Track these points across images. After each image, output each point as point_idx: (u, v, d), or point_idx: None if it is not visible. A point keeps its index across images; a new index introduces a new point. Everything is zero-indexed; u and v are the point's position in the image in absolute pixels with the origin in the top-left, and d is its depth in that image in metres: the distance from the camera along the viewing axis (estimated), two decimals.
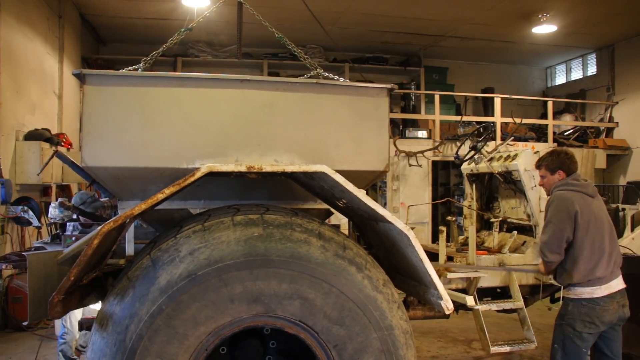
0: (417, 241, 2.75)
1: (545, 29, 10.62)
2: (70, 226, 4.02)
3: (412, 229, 2.79)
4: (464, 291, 4.48)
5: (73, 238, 3.56)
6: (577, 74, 13.38)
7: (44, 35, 8.46)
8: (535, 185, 4.70)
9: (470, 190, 5.56)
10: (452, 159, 8.38)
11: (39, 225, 7.04)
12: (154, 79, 2.77)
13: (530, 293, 4.82)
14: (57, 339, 5.15)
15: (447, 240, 4.99)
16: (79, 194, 5.37)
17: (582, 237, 3.64)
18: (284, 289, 2.54)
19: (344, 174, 2.72)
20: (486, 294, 4.75)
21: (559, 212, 3.69)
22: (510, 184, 5.08)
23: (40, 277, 2.90)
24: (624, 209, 5.30)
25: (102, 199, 5.19)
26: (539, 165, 4.03)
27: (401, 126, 11.09)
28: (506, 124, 10.35)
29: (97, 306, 3.26)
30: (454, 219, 5.52)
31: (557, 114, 11.75)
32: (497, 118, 10.14)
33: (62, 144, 7.84)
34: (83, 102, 2.68)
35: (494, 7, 9.66)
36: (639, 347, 4.85)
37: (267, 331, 2.95)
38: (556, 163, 3.90)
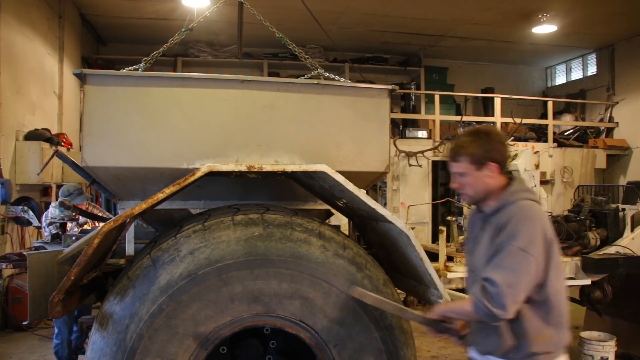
0: (417, 240, 2.76)
1: (545, 29, 10.62)
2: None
3: (412, 229, 2.80)
4: (464, 291, 4.48)
5: (74, 237, 3.57)
6: (577, 74, 13.38)
7: (44, 35, 8.46)
8: (536, 185, 4.70)
9: None
10: None
11: (39, 225, 7.05)
12: (155, 79, 2.78)
13: None
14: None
15: (447, 240, 4.99)
16: (65, 186, 5.40)
17: (555, 280, 2.24)
18: (284, 288, 2.54)
19: (345, 174, 2.72)
20: None
21: (535, 236, 2.16)
22: None
23: (41, 276, 2.91)
24: (624, 209, 5.29)
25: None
26: (455, 155, 2.34)
27: (401, 126, 11.08)
28: (506, 124, 10.36)
29: None
30: (454, 219, 5.51)
31: (557, 114, 11.75)
32: (497, 118, 10.14)
33: (62, 144, 7.84)
34: (84, 102, 2.69)
35: (493, 7, 9.65)
36: (639, 347, 4.86)
37: (267, 331, 2.95)
38: (485, 150, 2.28)
